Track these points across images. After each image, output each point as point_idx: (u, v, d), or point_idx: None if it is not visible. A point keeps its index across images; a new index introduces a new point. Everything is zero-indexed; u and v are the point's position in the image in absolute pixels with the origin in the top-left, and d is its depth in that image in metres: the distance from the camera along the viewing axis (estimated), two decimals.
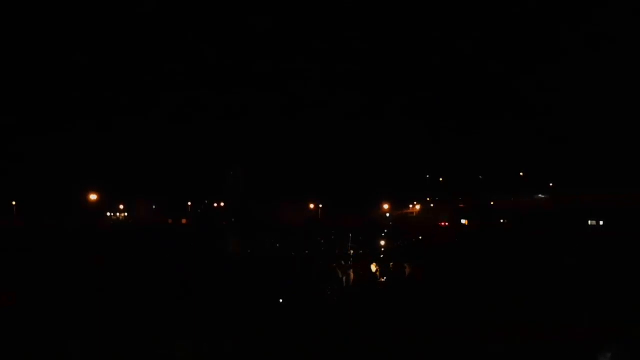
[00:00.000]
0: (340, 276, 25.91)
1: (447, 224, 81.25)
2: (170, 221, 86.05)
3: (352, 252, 45.12)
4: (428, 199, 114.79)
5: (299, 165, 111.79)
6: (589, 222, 73.19)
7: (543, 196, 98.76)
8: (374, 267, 28.17)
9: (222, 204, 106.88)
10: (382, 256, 40.59)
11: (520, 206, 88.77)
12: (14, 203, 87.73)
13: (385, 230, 64.02)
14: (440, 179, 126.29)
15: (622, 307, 18.61)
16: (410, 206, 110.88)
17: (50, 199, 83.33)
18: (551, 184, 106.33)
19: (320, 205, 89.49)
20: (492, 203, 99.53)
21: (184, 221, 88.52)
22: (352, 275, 27.39)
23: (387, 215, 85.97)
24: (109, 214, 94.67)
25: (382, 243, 50.12)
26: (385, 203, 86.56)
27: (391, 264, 32.13)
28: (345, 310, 20.53)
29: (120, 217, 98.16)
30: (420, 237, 58.71)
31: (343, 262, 33.46)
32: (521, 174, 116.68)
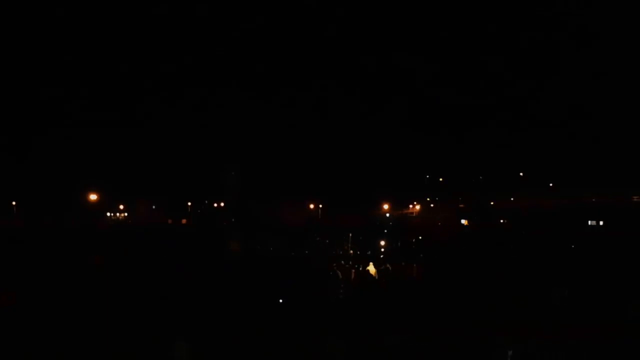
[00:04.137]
0: (340, 276, 25.87)
1: (447, 224, 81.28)
2: (170, 221, 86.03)
3: (352, 252, 45.09)
4: (428, 199, 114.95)
5: (298, 165, 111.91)
6: (589, 222, 73.27)
7: (543, 196, 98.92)
8: (373, 267, 28.14)
9: (222, 204, 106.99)
10: (382, 256, 40.57)
11: (520, 206, 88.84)
12: (14, 203, 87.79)
13: (385, 230, 64.02)
14: (440, 179, 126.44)
15: (622, 307, 18.61)
16: (410, 206, 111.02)
17: (50, 199, 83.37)
18: (551, 184, 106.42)
19: (320, 205, 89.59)
20: (492, 203, 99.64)
21: (184, 221, 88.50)
22: (352, 275, 27.37)
23: (387, 215, 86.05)
24: (109, 214, 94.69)
25: (382, 243, 50.09)
26: (385, 203, 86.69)
27: (391, 264, 32.12)
28: (345, 310, 20.53)
29: (120, 217, 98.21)
30: (420, 237, 58.70)
31: (343, 262, 33.41)
32: (521, 174, 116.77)
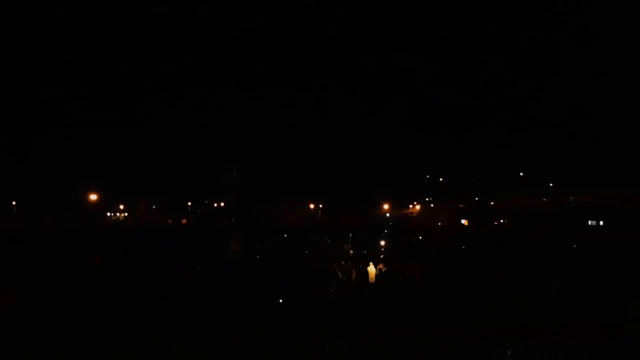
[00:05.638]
0: (340, 276, 25.86)
1: (447, 224, 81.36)
2: (170, 221, 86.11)
3: (352, 252, 45.08)
4: (428, 199, 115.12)
5: (298, 165, 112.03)
6: (589, 222, 73.37)
7: (543, 196, 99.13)
8: (373, 267, 28.12)
9: (222, 204, 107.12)
10: (382, 256, 40.56)
11: (520, 206, 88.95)
12: (14, 203, 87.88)
13: (385, 230, 64.05)
14: (440, 179, 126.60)
15: (622, 307, 18.61)
16: (410, 206, 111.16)
17: (50, 199, 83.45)
18: (551, 184, 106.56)
19: (320, 205, 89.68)
20: (492, 203, 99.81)
21: (184, 221, 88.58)
22: (352, 275, 27.36)
23: (387, 215, 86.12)
24: (109, 214, 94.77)
25: (382, 243, 50.09)
26: (385, 203, 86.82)
27: (391, 264, 32.12)
28: (345, 310, 20.53)
29: (120, 217, 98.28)
30: (420, 237, 58.73)
31: (343, 262, 33.39)
32: (521, 174, 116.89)
